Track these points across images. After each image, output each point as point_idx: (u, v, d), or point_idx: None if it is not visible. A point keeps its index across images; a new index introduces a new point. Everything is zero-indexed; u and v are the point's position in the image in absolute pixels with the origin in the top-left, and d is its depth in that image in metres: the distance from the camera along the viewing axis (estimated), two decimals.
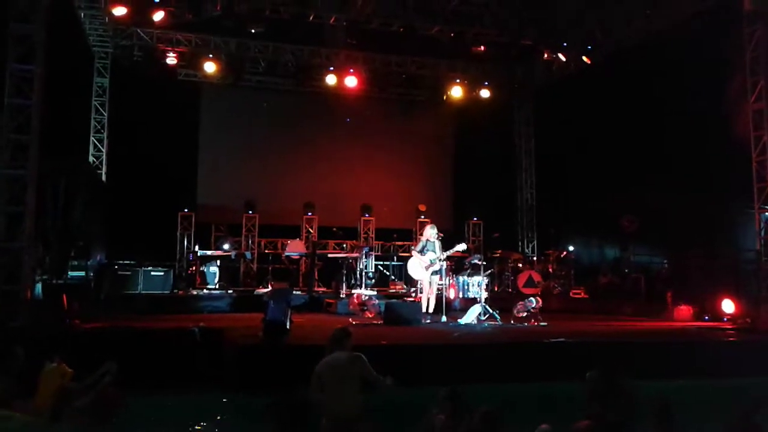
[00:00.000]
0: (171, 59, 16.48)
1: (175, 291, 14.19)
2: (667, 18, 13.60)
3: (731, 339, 10.20)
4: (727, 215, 12.87)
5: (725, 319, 11.85)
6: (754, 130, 11.51)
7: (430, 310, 11.58)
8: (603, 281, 15.74)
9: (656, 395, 5.11)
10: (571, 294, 15.66)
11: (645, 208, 14.58)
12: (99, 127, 16.47)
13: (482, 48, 16.54)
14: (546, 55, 17.05)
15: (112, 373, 5.38)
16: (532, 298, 11.80)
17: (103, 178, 16.30)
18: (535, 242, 19.75)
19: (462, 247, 11.88)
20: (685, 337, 10.33)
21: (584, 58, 15.88)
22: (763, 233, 11.39)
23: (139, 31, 15.98)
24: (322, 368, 5.54)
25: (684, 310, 12.76)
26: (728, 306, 11.94)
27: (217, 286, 15.13)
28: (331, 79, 17.53)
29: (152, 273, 14.06)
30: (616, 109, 14.80)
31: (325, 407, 5.34)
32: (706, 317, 12.30)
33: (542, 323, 11.22)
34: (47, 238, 12.00)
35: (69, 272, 12.73)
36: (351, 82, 17.55)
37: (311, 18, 15.33)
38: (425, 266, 11.60)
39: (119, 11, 14.28)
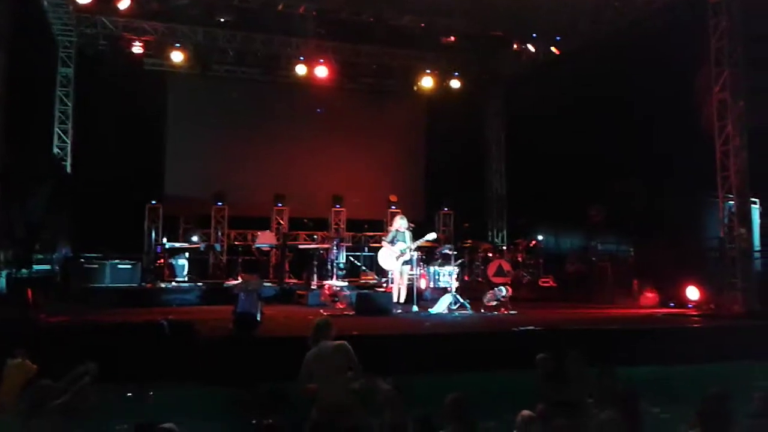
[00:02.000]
0: (137, 48, 16.20)
1: (143, 284, 14.01)
2: (637, 10, 13.76)
3: (696, 325, 10.42)
4: (692, 204, 13.10)
5: (690, 305, 12.11)
6: (718, 120, 11.73)
7: (401, 300, 11.63)
8: (571, 270, 15.95)
9: (621, 383, 5.22)
10: (540, 283, 15.83)
11: (611, 197, 14.78)
12: (63, 118, 16.12)
13: (452, 38, 16.59)
14: (515, 46, 17.14)
15: (91, 374, 5.29)
16: (502, 287, 11.93)
17: (68, 169, 15.98)
18: (505, 232, 19.91)
19: (432, 236, 11.94)
20: (650, 324, 10.53)
21: (553, 49, 16.01)
22: (726, 221, 11.64)
23: (104, 19, 15.65)
24: (309, 359, 5.57)
25: (650, 297, 13.02)
26: (693, 293, 12.20)
27: (186, 279, 14.98)
28: (301, 69, 17.39)
29: (119, 266, 13.86)
30: (585, 99, 14.95)
31: (316, 397, 5.36)
32: (672, 304, 12.56)
33: (512, 312, 11.36)
34: (11, 231, 11.76)
35: (34, 265, 12.50)
36: (321, 72, 17.44)
37: (280, 7, 15.19)
38: (396, 256, 11.63)
39: None
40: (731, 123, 11.53)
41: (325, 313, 10.51)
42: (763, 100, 11.45)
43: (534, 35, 16.35)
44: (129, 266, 13.96)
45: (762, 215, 12.18)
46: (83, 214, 14.45)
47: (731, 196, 11.55)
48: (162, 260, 15.22)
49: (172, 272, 15.08)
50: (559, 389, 5.49)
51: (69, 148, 16.05)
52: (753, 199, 11.80)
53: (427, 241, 11.96)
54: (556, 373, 5.58)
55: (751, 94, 11.53)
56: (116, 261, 13.84)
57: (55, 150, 15.96)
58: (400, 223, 11.86)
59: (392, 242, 11.77)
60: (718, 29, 11.69)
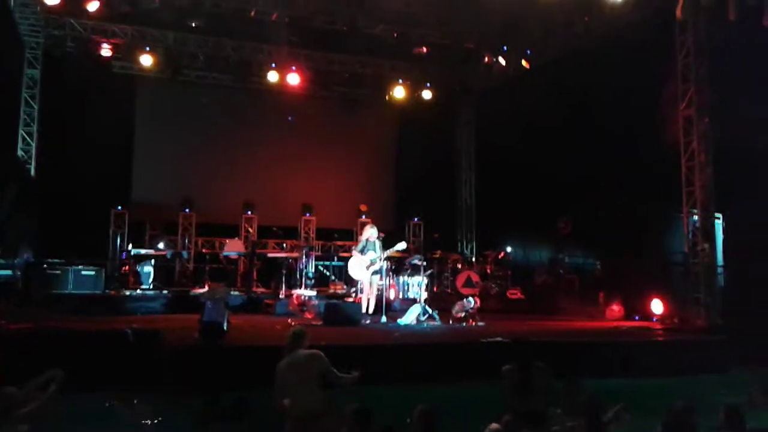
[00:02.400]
0: (105, 51, 15.97)
1: (107, 291, 13.75)
2: (606, 25, 13.97)
3: (659, 339, 10.56)
4: (657, 218, 13.31)
5: (654, 319, 12.28)
6: (683, 136, 11.95)
7: (370, 311, 11.59)
8: (539, 282, 16.09)
9: (586, 394, 5.26)
10: (508, 294, 15.93)
11: (579, 210, 14.96)
12: (29, 120, 15.79)
13: (425, 49, 16.65)
14: (487, 59, 17.29)
15: (57, 382, 5.15)
16: (470, 299, 11.96)
17: (32, 172, 15.65)
18: (474, 243, 20.02)
19: (402, 246, 11.94)
20: (615, 337, 10.64)
21: (523, 63, 16.19)
22: (691, 236, 11.84)
23: (72, 21, 15.39)
24: (282, 368, 5.53)
25: (615, 310, 13.17)
26: (657, 306, 12.37)
27: (151, 287, 14.74)
28: (272, 76, 17.31)
29: (83, 272, 13.58)
30: (554, 113, 15.10)
31: (289, 407, 5.32)
32: (636, 317, 12.72)
33: (480, 323, 11.38)
34: None
35: None
36: (293, 79, 17.38)
37: (253, 13, 15.12)
38: (366, 266, 11.59)
39: (52, 0, 13.78)
40: (696, 139, 11.75)
41: (293, 323, 10.45)
42: (728, 116, 11.69)
43: (505, 48, 16.51)
44: (93, 273, 13.69)
45: (725, 230, 12.42)
46: (47, 219, 14.17)
47: (695, 211, 11.76)
48: (127, 267, 14.98)
49: (137, 280, 14.85)
50: (525, 400, 5.52)
51: (33, 151, 15.71)
52: (717, 215, 12.02)
53: (397, 251, 11.96)
54: (522, 384, 5.61)
55: (717, 111, 11.77)
56: (80, 267, 13.56)
57: (20, 152, 15.61)
58: (371, 233, 11.84)
59: (362, 252, 11.74)
60: (685, 46, 11.93)
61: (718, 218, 12.18)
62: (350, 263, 12.03)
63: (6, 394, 4.74)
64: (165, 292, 14.24)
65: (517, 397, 5.56)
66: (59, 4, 13.91)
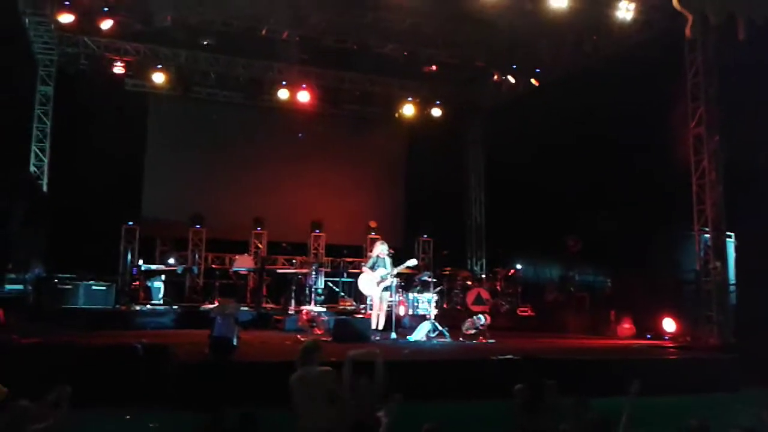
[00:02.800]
0: (118, 69, 16.16)
1: (118, 306, 13.78)
2: (615, 44, 14.02)
3: (671, 357, 10.48)
4: (668, 236, 13.26)
5: (666, 337, 12.19)
6: (694, 154, 11.93)
7: (380, 327, 11.55)
8: (549, 299, 16.02)
9: (596, 412, 5.21)
10: (518, 312, 15.86)
11: (590, 228, 14.91)
12: (41, 137, 15.94)
13: (434, 68, 16.76)
14: (496, 77, 17.37)
15: (64, 398, 5.15)
16: (480, 316, 11.93)
17: (45, 188, 15.78)
18: (484, 260, 19.97)
19: (412, 262, 11.94)
20: (627, 355, 10.57)
21: (533, 81, 16.24)
22: (702, 254, 11.78)
23: (86, 39, 15.60)
24: (294, 383, 5.50)
25: (627, 328, 13.10)
26: (669, 324, 12.30)
27: (161, 302, 14.77)
28: (283, 94, 17.45)
29: (93, 287, 13.59)
30: (563, 131, 15.14)
31: (299, 422, 5.30)
32: (648, 335, 12.63)
33: (490, 340, 11.33)
34: None
35: (6, 285, 12.26)
36: (303, 97, 17.51)
37: (264, 32, 15.27)
38: (376, 282, 11.57)
39: (66, 18, 14.00)
40: (707, 157, 11.73)
41: (302, 339, 10.43)
42: (738, 134, 11.68)
43: (514, 67, 16.59)
44: (103, 288, 13.70)
45: (737, 249, 12.35)
46: (58, 234, 14.25)
47: (707, 229, 11.71)
48: (138, 282, 15.02)
49: (147, 295, 14.88)
50: (534, 419, 5.48)
51: (46, 167, 15.84)
52: (728, 233, 11.96)
53: (407, 267, 11.95)
54: (533, 403, 5.57)
55: (727, 129, 11.75)
56: (91, 282, 13.59)
57: (32, 168, 15.74)
58: (381, 249, 11.83)
59: (373, 268, 11.72)
60: (694, 65, 11.95)
61: (730, 237, 12.11)
62: (360, 279, 12.02)
63: (20, 407, 4.73)
64: (175, 307, 14.26)
65: (526, 416, 5.53)
66: (73, 22, 14.13)
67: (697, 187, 11.89)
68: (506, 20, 13.85)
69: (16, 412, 4.64)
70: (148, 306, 14.34)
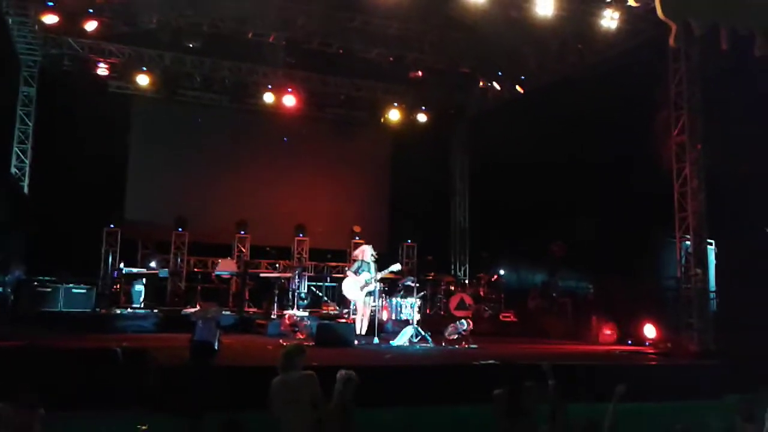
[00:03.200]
0: (102, 70, 16.05)
1: (97, 309, 13.64)
2: (599, 53, 14.13)
3: (651, 363, 10.54)
4: (651, 243, 13.35)
5: (647, 343, 12.26)
6: (676, 162, 12.02)
7: (363, 332, 11.53)
8: (532, 305, 16.06)
9: (583, 417, 5.23)
10: (501, 317, 15.90)
11: (573, 234, 14.99)
12: (23, 138, 15.79)
13: (420, 73, 16.79)
14: (481, 83, 17.44)
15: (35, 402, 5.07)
16: (463, 321, 11.93)
17: (26, 190, 15.62)
18: (468, 266, 20.00)
19: (396, 267, 11.94)
20: (608, 361, 10.62)
21: (518, 88, 16.32)
22: (683, 261, 11.86)
23: (70, 40, 15.46)
24: (275, 387, 5.48)
25: (608, 334, 13.17)
26: (650, 331, 12.37)
27: (142, 305, 14.64)
28: (268, 98, 17.41)
29: (74, 290, 13.49)
30: (548, 138, 15.21)
31: (281, 427, 5.27)
32: (629, 341, 12.70)
33: (472, 345, 11.34)
34: None
35: None
36: (289, 101, 17.49)
37: (250, 35, 15.23)
38: (360, 286, 11.55)
39: (50, 19, 13.88)
40: (689, 165, 11.82)
41: (284, 343, 10.38)
42: (721, 143, 11.79)
43: (500, 73, 16.66)
44: (84, 291, 13.60)
45: (717, 256, 12.46)
46: (39, 236, 14.09)
47: (688, 236, 11.80)
48: (118, 285, 14.89)
49: (128, 298, 14.76)
50: (516, 423, 5.49)
51: (27, 168, 15.70)
52: (709, 240, 12.06)
53: (392, 272, 11.94)
54: (513, 407, 5.58)
55: (710, 138, 11.86)
56: (70, 285, 13.47)
57: (13, 170, 15.59)
58: (367, 253, 11.80)
59: (357, 272, 11.70)
60: (677, 74, 12.05)
61: (711, 244, 12.22)
62: (344, 283, 11.99)
63: None
64: (156, 311, 14.14)
65: (507, 420, 5.54)
66: (57, 22, 14.00)
67: (679, 194, 11.98)
68: (492, 27, 13.89)
69: None
70: (129, 309, 14.22)
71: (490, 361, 9.18)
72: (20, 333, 10.34)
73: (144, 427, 6.48)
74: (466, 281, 18.42)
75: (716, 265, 12.36)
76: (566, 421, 5.20)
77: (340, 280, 13.10)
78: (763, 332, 10.00)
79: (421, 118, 18.94)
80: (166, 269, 16.42)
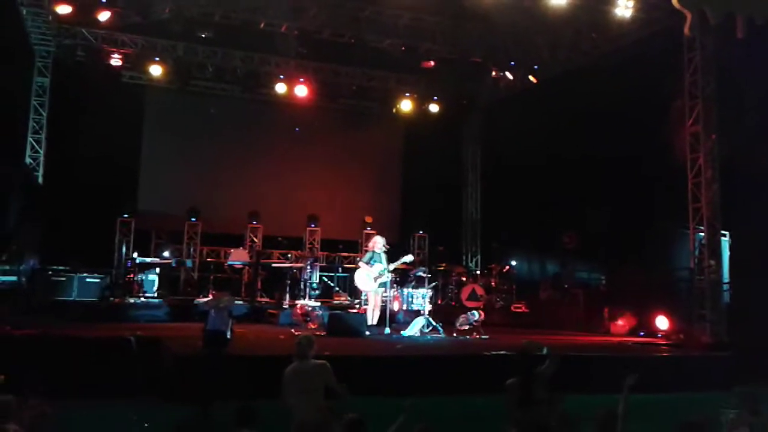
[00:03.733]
0: (115, 61, 16.10)
1: (105, 297, 13.65)
2: (612, 42, 14.02)
3: (664, 354, 10.50)
4: (663, 234, 13.27)
5: (659, 335, 12.21)
6: (690, 152, 11.93)
7: (375, 322, 11.54)
8: (543, 296, 16.03)
9: (601, 406, 5.20)
10: (512, 308, 15.88)
11: (585, 225, 14.93)
12: (37, 128, 15.91)
13: (432, 63, 16.73)
14: (494, 73, 17.35)
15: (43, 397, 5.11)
16: (474, 312, 11.92)
17: (40, 180, 15.74)
18: (479, 256, 19.98)
19: (409, 258, 11.95)
20: (620, 352, 10.59)
21: (531, 78, 16.23)
22: (697, 252, 11.78)
23: (83, 30, 15.54)
24: (289, 374, 5.52)
25: (620, 326, 13.12)
26: (662, 322, 12.31)
27: (155, 295, 14.74)
28: (280, 88, 17.42)
29: (87, 279, 13.60)
30: (561, 128, 15.14)
31: (292, 415, 5.31)
32: (642, 332, 12.65)
33: (484, 336, 11.34)
34: None
35: (0, 276, 12.23)
36: (301, 91, 17.48)
37: (262, 25, 15.23)
38: (373, 278, 11.53)
39: (64, 9, 13.93)
40: (703, 156, 11.72)
41: (296, 333, 10.43)
42: (735, 133, 11.68)
43: (512, 63, 16.56)
44: (98, 280, 13.71)
45: (731, 247, 12.37)
46: (53, 226, 14.22)
47: (702, 227, 11.72)
48: (132, 275, 14.99)
49: (141, 287, 14.86)
50: (529, 413, 5.48)
51: (42, 159, 15.83)
52: (723, 232, 11.97)
53: (404, 263, 11.95)
54: (526, 397, 5.58)
55: (724, 128, 11.75)
56: (84, 274, 13.58)
57: (28, 160, 15.72)
58: (379, 243, 11.80)
59: (369, 263, 11.69)
60: (692, 63, 11.94)
61: (725, 235, 12.13)
62: (357, 274, 11.99)
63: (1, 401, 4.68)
64: (169, 300, 14.22)
65: (520, 410, 5.53)
66: (71, 13, 14.05)
67: (693, 185, 11.89)
68: (504, 16, 13.81)
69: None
70: (142, 299, 14.32)
71: (502, 352, 9.17)
72: (34, 322, 10.44)
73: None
74: (478, 272, 18.40)
75: (730, 257, 12.27)
76: (563, 409, 5.20)
77: (351, 271, 13.13)
78: None
79: (433, 108, 18.88)
80: (189, 260, 16.54)
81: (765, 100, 11.37)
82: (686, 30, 11.69)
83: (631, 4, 12.62)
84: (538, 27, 14.42)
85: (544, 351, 6.01)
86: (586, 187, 14.83)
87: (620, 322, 13.16)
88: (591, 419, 4.88)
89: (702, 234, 11.71)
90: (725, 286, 11.94)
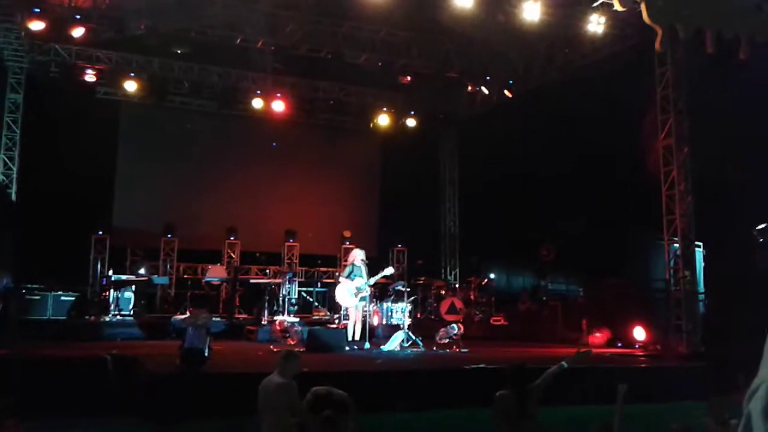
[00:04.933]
0: (90, 77, 15.98)
1: (73, 317, 13.44)
2: (585, 57, 14.23)
3: (642, 365, 10.58)
4: (639, 245, 13.43)
5: (637, 345, 12.31)
6: (663, 165, 12.10)
7: (356, 337, 11.45)
8: (522, 308, 16.11)
9: (598, 418, 5.22)
10: (491, 321, 15.92)
11: (562, 237, 15.06)
12: (10, 145, 15.70)
13: (409, 78, 16.84)
14: (470, 88, 17.51)
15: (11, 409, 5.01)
16: (454, 325, 11.94)
17: (13, 197, 15.52)
18: (458, 270, 20.03)
19: (390, 271, 11.94)
20: (598, 364, 10.64)
21: (506, 92, 16.40)
22: (672, 263, 11.94)
23: (57, 47, 15.40)
24: (259, 391, 5.48)
25: (598, 337, 13.20)
26: (639, 333, 12.42)
27: (131, 312, 14.54)
28: (257, 103, 17.39)
29: (62, 298, 13.41)
30: (537, 141, 15.30)
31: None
32: (619, 344, 12.74)
33: (463, 350, 11.35)
34: None
35: None
36: (278, 106, 17.47)
37: (238, 41, 15.22)
38: (353, 293, 11.45)
39: (37, 26, 13.79)
40: (676, 168, 11.90)
41: (275, 349, 10.36)
42: (708, 146, 11.88)
43: (488, 78, 16.74)
44: (72, 298, 13.51)
45: (705, 258, 12.54)
46: (27, 244, 14.00)
47: (676, 239, 11.87)
48: (107, 293, 14.79)
49: (117, 305, 14.65)
50: (518, 426, 5.47)
51: (15, 176, 15.61)
52: (697, 243, 12.14)
53: (384, 276, 11.94)
54: (520, 411, 5.55)
55: (697, 141, 11.94)
56: (59, 293, 13.38)
57: (1, 177, 15.50)
58: (358, 257, 11.75)
59: (349, 277, 11.63)
60: (664, 77, 12.15)
61: (699, 246, 12.30)
62: (338, 290, 11.90)
63: None
64: (145, 318, 14.05)
65: (511, 424, 5.50)
66: (44, 29, 13.92)
67: (667, 197, 12.05)
68: (480, 32, 13.98)
69: None
70: (118, 317, 14.12)
71: (481, 365, 9.18)
72: (8, 341, 10.25)
73: None
74: (457, 285, 18.44)
75: (704, 268, 12.44)
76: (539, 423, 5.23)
77: (330, 286, 13.07)
78: (749, 334, 10.05)
79: (410, 123, 18.97)
80: (166, 276, 16.37)
81: (736, 113, 11.59)
82: (657, 45, 11.86)
83: (603, 20, 12.83)
84: (513, 43, 14.60)
85: (565, 365, 6.03)
86: (562, 200, 14.98)
87: (598, 334, 13.25)
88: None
89: (677, 245, 11.87)
90: (700, 297, 12.09)
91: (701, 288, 12.18)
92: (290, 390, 5.51)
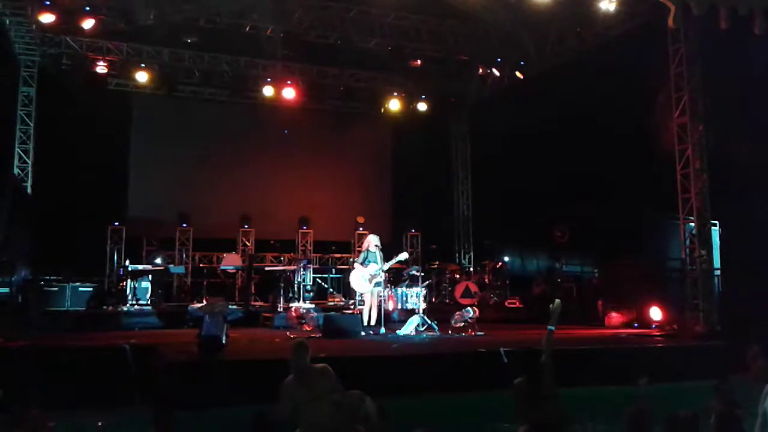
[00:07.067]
0: (101, 68, 16.03)
1: (92, 307, 13.59)
2: (598, 36, 14.07)
3: (658, 345, 10.56)
4: (655, 225, 13.35)
5: (653, 326, 12.27)
6: (678, 143, 12.00)
7: (372, 322, 11.49)
8: (537, 291, 16.07)
9: (632, 403, 5.20)
10: (506, 304, 15.92)
11: (576, 219, 14.99)
12: (24, 138, 15.83)
13: (419, 62, 16.76)
14: (481, 70, 17.39)
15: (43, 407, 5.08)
16: (469, 309, 11.93)
17: (29, 190, 15.66)
18: (472, 253, 20.01)
19: (404, 256, 11.92)
20: (614, 344, 10.64)
21: (517, 74, 16.28)
22: (687, 243, 11.86)
23: (68, 39, 15.46)
24: (290, 384, 5.42)
25: (614, 318, 13.18)
26: (656, 313, 12.37)
27: (149, 302, 14.67)
28: (268, 91, 17.38)
29: (80, 289, 13.54)
30: (549, 123, 15.21)
31: (301, 422, 5.25)
32: (636, 324, 12.71)
33: (479, 333, 11.36)
34: None
35: None
36: (288, 93, 17.46)
37: (247, 29, 15.20)
38: (368, 279, 11.46)
39: (47, 18, 13.84)
40: (691, 146, 11.80)
41: (291, 336, 10.43)
42: (723, 123, 11.76)
43: (498, 60, 16.61)
44: (90, 289, 13.65)
45: (721, 237, 12.45)
46: (44, 236, 14.16)
47: (692, 218, 11.79)
48: (124, 283, 14.92)
49: (134, 295, 14.78)
50: (538, 409, 5.46)
51: (30, 169, 15.75)
52: (713, 221, 12.05)
53: (399, 262, 11.94)
54: (535, 393, 5.55)
55: (711, 118, 11.83)
56: (77, 284, 13.52)
57: (16, 170, 15.64)
58: (373, 242, 11.75)
59: (364, 263, 11.63)
60: (677, 55, 12.01)
61: (715, 225, 12.21)
62: (352, 276, 11.91)
63: None
64: (163, 306, 14.17)
65: (531, 408, 5.50)
66: (54, 22, 13.97)
67: (681, 176, 11.96)
68: (490, 13, 13.87)
69: None
70: (136, 306, 14.25)
71: (498, 348, 9.19)
72: (28, 333, 10.40)
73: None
74: (471, 269, 18.44)
75: (720, 246, 12.35)
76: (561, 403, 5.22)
77: (345, 272, 13.11)
78: (766, 313, 10.00)
79: (422, 107, 18.89)
80: (182, 266, 16.49)
81: (750, 90, 11.46)
82: (670, 22, 11.79)
83: None
84: (523, 23, 14.48)
85: (552, 328, 6.07)
86: (575, 181, 14.90)
87: (614, 315, 13.22)
88: (587, 411, 4.91)
89: (692, 224, 11.79)
90: (717, 276, 12.02)
91: (717, 267, 12.10)
92: (330, 374, 5.51)
